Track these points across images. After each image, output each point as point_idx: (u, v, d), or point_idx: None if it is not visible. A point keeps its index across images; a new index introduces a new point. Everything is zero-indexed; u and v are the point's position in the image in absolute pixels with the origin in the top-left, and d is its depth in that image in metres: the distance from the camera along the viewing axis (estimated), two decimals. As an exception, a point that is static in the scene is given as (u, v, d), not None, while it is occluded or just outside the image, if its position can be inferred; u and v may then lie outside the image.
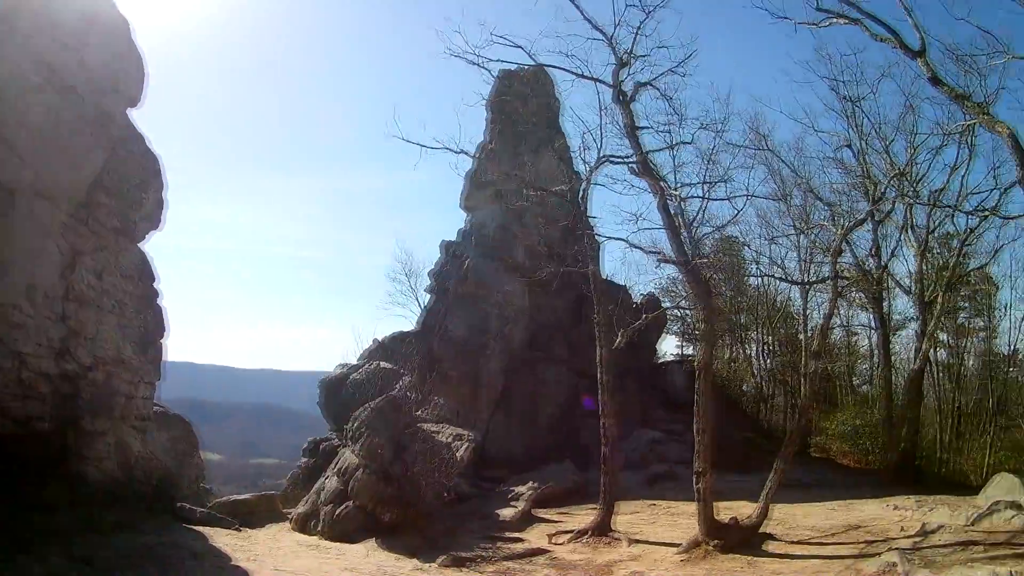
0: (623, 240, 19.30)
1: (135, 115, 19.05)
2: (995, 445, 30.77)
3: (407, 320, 37.29)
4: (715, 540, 15.25)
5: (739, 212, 20.01)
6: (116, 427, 18.13)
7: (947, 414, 33.76)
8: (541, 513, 20.88)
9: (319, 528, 18.24)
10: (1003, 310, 35.52)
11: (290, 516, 19.85)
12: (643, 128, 17.86)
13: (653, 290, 38.89)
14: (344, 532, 17.61)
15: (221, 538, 16.80)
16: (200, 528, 17.53)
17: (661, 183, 17.39)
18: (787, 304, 41.86)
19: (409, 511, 17.89)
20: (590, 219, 20.39)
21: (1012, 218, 22.92)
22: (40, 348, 15.96)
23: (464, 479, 23.00)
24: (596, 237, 20.59)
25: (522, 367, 30.94)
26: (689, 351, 42.33)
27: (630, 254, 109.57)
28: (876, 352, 39.24)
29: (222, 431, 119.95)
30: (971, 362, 37.18)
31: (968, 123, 18.59)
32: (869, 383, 41.46)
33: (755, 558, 14.43)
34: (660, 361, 38.30)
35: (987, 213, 24.08)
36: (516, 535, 18.32)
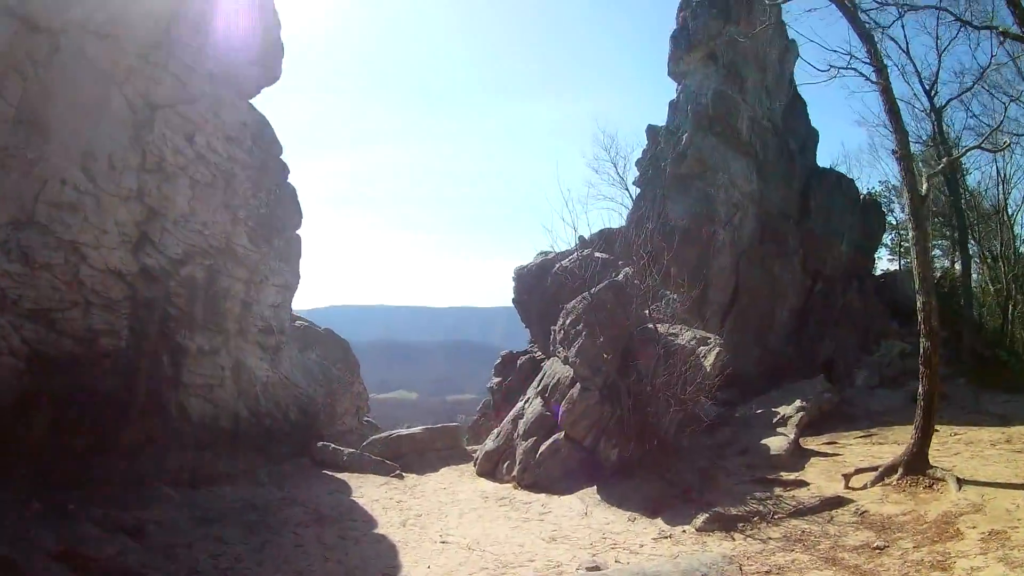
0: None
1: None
2: None
3: (616, 215, 31.48)
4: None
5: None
6: (231, 344, 13.52)
7: None
8: (805, 443, 15.83)
9: (513, 472, 13.57)
10: None
11: (475, 456, 15.40)
12: None
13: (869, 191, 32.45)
14: (549, 477, 12.77)
15: (371, 489, 12.55)
16: (345, 475, 13.32)
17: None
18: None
19: (646, 445, 12.57)
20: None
21: None
22: (106, 236, 11.61)
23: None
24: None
25: (753, 263, 25.36)
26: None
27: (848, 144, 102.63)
28: None
29: (418, 370, 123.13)
30: None
31: None
32: None
33: None
34: (882, 272, 32.19)
35: None
36: (793, 476, 12.99)
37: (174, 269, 12.32)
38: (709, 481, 12.50)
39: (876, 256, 32.10)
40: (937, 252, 33.70)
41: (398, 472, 13.77)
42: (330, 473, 13.20)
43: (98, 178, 11.49)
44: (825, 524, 10.50)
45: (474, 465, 14.74)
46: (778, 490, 12.06)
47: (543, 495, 12.24)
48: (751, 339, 24.51)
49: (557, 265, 19.69)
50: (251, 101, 14.67)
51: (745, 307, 24.97)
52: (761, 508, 11.11)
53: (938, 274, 33.35)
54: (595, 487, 12.12)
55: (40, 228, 10.84)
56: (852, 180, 28.64)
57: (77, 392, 11.06)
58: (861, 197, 29.01)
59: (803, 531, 10.27)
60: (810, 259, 25.74)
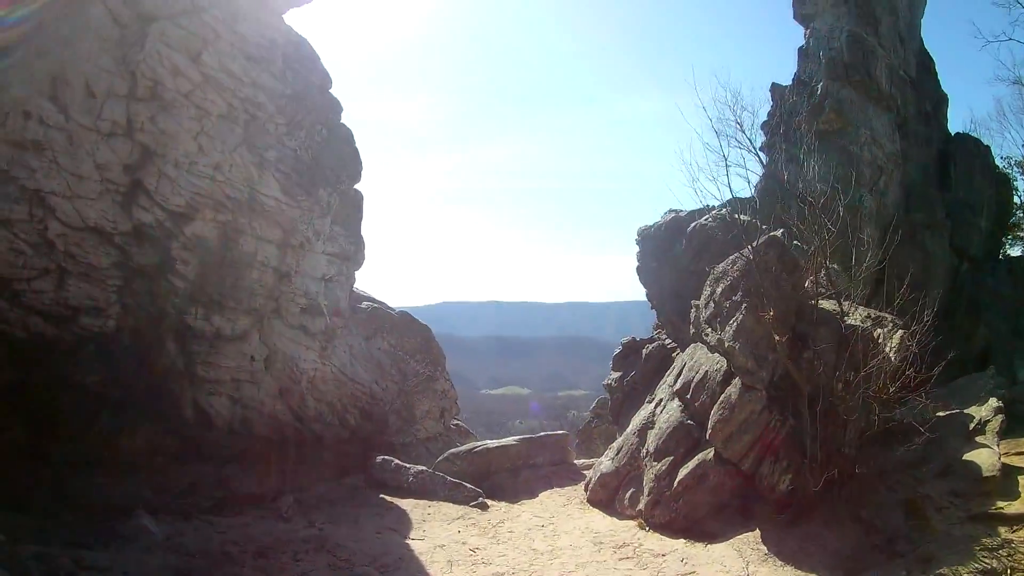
0: None
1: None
2: None
3: (744, 181, 27.87)
4: None
5: None
6: (265, 327, 10.35)
7: None
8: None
9: (639, 504, 9.88)
10: None
11: (587, 477, 11.66)
12: None
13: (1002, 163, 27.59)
14: (692, 515, 9.20)
15: (438, 527, 9.10)
16: (409, 503, 9.93)
17: None
18: None
19: (832, 469, 8.61)
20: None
21: None
22: (82, 184, 8.77)
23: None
24: None
25: (902, 236, 21.51)
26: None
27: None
28: None
29: (530, 365, 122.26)
30: None
31: None
32: None
33: None
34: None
35: None
36: (1015, 508, 8.87)
37: (176, 227, 9.32)
38: (920, 522, 8.66)
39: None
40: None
41: (480, 500, 10.20)
42: (389, 499, 9.87)
43: (72, 109, 8.73)
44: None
45: (584, 490, 11.09)
46: (1003, 531, 8.33)
47: (681, 541, 8.65)
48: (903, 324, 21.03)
49: (693, 224, 15.35)
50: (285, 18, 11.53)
51: (894, 287, 21.38)
52: (996, 565, 7.63)
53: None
54: (757, 531, 8.56)
55: (-3, 174, 8.11)
56: (989, 147, 24.62)
57: (55, 386, 8.50)
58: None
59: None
60: (956, 235, 22.15)
